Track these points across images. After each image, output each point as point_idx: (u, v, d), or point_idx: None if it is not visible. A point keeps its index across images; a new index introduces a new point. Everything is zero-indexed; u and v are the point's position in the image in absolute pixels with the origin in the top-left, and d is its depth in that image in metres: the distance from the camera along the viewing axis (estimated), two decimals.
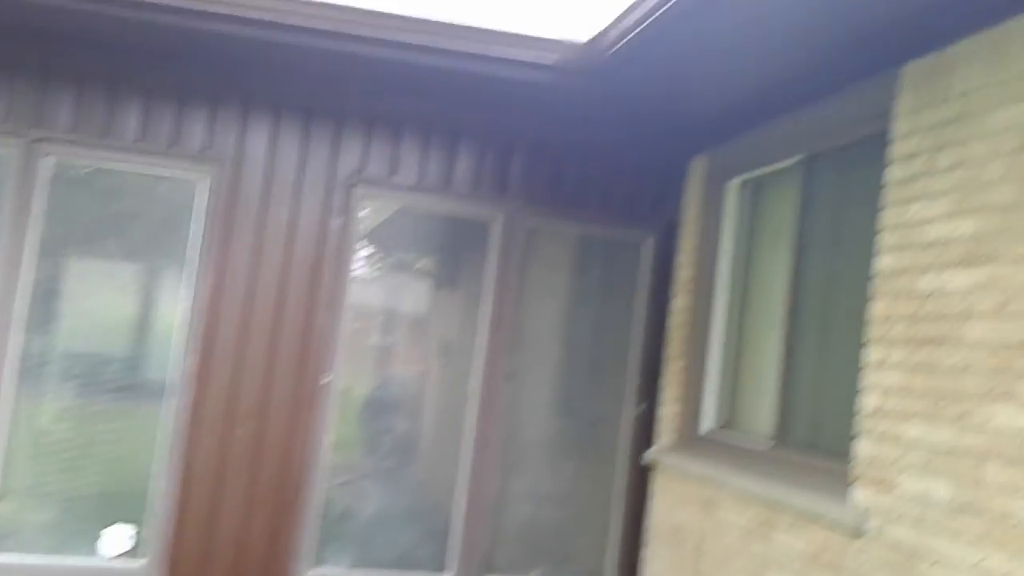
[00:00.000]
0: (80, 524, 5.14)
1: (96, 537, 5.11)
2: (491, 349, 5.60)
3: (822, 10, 3.67)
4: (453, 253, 6.17)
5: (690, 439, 5.24)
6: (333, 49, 4.79)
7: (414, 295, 6.15)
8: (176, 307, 5.24)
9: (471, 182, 5.59)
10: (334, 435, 5.39)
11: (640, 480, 5.69)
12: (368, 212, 5.59)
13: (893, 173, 3.65)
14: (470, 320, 5.72)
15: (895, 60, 3.70)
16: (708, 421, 5.16)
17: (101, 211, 5.41)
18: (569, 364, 5.96)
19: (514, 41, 4.82)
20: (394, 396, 5.97)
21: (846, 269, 4.15)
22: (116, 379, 5.27)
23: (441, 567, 5.55)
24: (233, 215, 5.25)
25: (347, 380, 5.51)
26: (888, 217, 3.64)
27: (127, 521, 5.15)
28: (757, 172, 5.03)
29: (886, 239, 3.64)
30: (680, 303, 5.55)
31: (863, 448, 3.60)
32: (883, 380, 3.54)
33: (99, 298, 5.37)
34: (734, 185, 5.24)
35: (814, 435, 4.27)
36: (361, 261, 5.62)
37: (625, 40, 4.28)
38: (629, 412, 5.82)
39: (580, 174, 5.74)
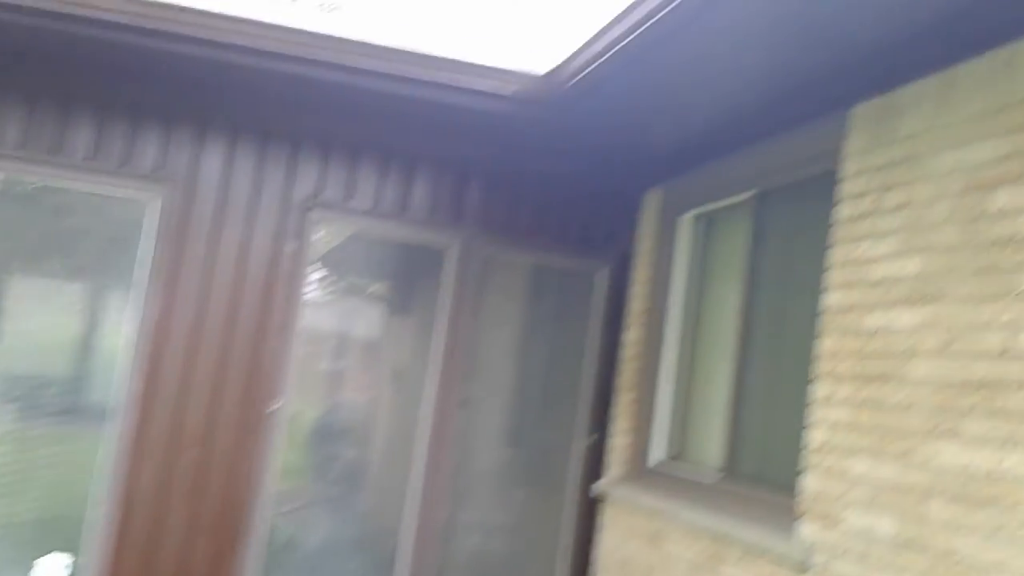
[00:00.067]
0: (13, 552, 4.97)
1: (29, 567, 4.95)
2: (444, 376, 5.57)
3: (776, 52, 3.75)
4: (407, 279, 6.15)
5: (640, 471, 5.24)
6: (291, 72, 4.76)
7: (367, 320, 6.11)
8: (122, 328, 5.13)
9: (427, 209, 5.58)
10: (282, 461, 5.30)
11: (590, 511, 5.68)
12: (322, 235, 5.55)
13: (842, 211, 3.71)
14: (423, 347, 5.68)
15: (845, 102, 3.78)
16: (658, 452, 5.17)
17: (48, 228, 5.30)
18: (522, 393, 5.95)
19: (473, 71, 4.84)
20: (344, 422, 5.90)
21: (796, 304, 4.21)
22: (57, 402, 5.14)
23: None
24: (185, 236, 5.18)
25: (297, 405, 5.43)
26: (837, 255, 3.70)
27: (63, 550, 4.99)
28: (710, 206, 5.10)
29: (834, 276, 3.70)
30: (632, 335, 5.58)
31: (810, 483, 3.64)
32: (830, 415, 3.58)
33: (42, 318, 5.25)
34: (687, 219, 5.30)
35: (762, 468, 4.30)
36: (314, 285, 5.57)
37: (583, 73, 4.32)
38: (580, 442, 5.82)
39: (536, 204, 5.76)
